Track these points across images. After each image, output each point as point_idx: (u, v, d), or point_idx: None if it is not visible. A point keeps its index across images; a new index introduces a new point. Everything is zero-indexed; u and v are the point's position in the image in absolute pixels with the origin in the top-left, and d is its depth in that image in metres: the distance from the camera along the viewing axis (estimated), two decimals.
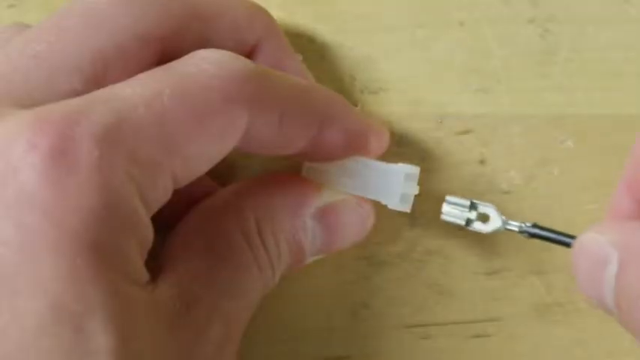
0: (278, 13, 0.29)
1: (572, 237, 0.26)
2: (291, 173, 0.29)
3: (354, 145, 0.27)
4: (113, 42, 0.24)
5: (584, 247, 0.24)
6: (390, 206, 0.28)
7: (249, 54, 0.27)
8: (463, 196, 0.28)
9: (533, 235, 0.27)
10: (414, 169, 0.28)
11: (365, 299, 0.30)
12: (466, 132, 0.30)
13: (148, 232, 0.22)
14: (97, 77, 0.23)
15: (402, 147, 0.30)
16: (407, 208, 0.28)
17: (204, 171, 0.24)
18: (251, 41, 0.27)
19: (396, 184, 0.27)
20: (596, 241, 0.23)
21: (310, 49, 0.30)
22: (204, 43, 0.26)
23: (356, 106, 0.30)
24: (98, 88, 0.23)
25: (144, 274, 0.22)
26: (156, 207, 0.22)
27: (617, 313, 0.23)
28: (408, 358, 0.30)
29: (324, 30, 0.30)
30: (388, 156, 0.29)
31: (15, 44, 0.24)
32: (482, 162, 0.30)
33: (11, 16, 0.30)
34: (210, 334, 0.24)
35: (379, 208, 0.29)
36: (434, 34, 0.30)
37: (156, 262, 0.24)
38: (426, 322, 0.30)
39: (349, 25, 0.30)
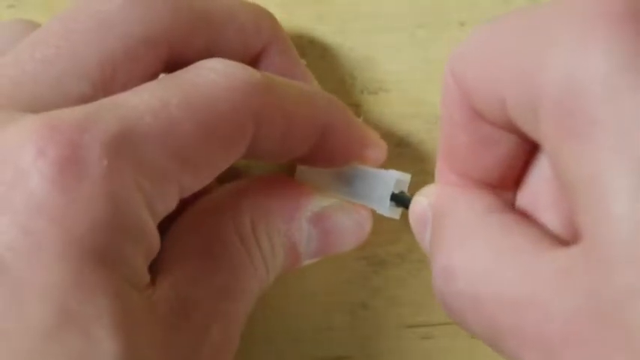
0: (278, 13, 0.29)
1: None
2: (287, 176, 0.29)
3: (352, 154, 0.28)
4: (122, 46, 0.24)
5: (412, 209, 0.25)
6: (379, 212, 0.28)
7: (256, 58, 0.27)
8: None
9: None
10: (405, 176, 0.28)
11: (365, 299, 0.30)
12: None
13: (154, 240, 0.22)
14: (106, 82, 0.23)
15: (402, 147, 0.30)
16: (396, 214, 0.28)
17: (210, 180, 0.24)
18: (258, 47, 0.27)
19: (386, 191, 0.27)
20: (419, 203, 0.25)
21: (310, 50, 0.30)
22: (211, 48, 0.26)
23: (358, 116, 0.30)
24: (106, 92, 0.23)
25: (145, 279, 0.22)
26: (162, 215, 0.23)
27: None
28: (408, 358, 0.30)
29: (324, 30, 0.30)
30: (388, 157, 0.29)
31: (23, 47, 0.24)
32: None
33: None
34: (209, 337, 0.24)
35: None
36: (434, 34, 0.30)
37: (153, 263, 0.24)
38: (427, 322, 0.30)
39: (349, 25, 0.30)
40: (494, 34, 0.21)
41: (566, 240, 0.21)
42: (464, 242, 0.22)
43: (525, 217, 0.23)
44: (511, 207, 0.23)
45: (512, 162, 0.23)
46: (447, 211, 0.23)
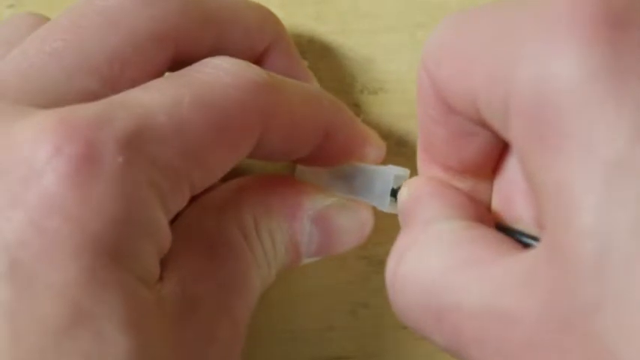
0: (278, 13, 0.29)
1: None
2: (290, 175, 0.29)
3: (352, 154, 0.28)
4: (131, 42, 0.24)
5: (398, 201, 0.26)
6: (379, 208, 0.28)
7: (259, 58, 0.28)
8: None
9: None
10: (404, 171, 0.28)
11: (365, 299, 0.30)
12: None
13: (166, 238, 0.22)
14: (114, 77, 0.23)
15: (402, 147, 0.30)
16: (395, 210, 0.28)
17: (218, 179, 0.24)
18: (261, 46, 0.27)
19: (385, 186, 0.28)
20: (401, 195, 0.25)
21: (310, 50, 0.30)
22: (217, 47, 0.26)
23: (358, 116, 0.30)
24: (114, 88, 0.23)
25: (156, 276, 0.22)
26: (174, 212, 0.23)
27: None
28: (408, 358, 0.30)
29: (324, 30, 0.30)
30: (388, 156, 0.29)
31: (32, 40, 0.24)
32: None
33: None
34: (218, 334, 0.24)
35: None
36: None
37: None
38: None
39: (349, 26, 0.30)
40: (467, 30, 0.21)
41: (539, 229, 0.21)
42: (414, 249, 0.22)
43: (482, 221, 0.23)
44: (474, 207, 0.23)
45: (490, 152, 0.23)
46: (408, 213, 0.24)
